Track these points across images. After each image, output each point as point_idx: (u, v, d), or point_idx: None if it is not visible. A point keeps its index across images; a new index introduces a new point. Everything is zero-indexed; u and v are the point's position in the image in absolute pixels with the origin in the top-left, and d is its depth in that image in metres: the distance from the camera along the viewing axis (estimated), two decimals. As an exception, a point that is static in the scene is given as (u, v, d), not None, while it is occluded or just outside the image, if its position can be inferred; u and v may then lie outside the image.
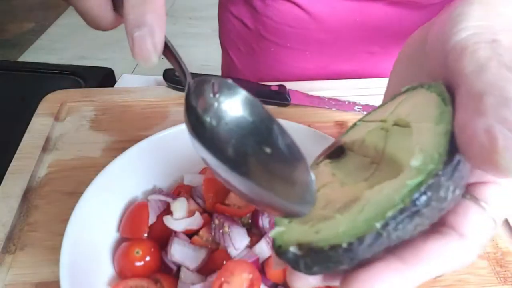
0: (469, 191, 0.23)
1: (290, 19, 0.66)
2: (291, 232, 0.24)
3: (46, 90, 0.66)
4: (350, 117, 0.61)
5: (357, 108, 0.62)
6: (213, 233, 0.41)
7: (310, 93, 0.64)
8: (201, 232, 0.42)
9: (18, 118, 0.62)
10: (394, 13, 0.64)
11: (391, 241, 0.21)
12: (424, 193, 0.20)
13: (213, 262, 0.40)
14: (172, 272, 0.41)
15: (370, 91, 0.65)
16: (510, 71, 0.21)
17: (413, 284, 0.21)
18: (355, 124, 0.30)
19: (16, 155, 0.55)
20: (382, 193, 0.22)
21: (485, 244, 0.23)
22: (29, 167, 0.53)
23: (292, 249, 0.22)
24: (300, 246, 0.22)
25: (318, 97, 0.63)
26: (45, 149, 0.56)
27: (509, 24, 0.23)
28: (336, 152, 0.29)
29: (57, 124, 0.60)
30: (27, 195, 0.50)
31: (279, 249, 0.23)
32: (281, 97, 0.62)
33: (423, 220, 0.21)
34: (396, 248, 0.22)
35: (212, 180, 0.44)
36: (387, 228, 0.20)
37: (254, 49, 0.73)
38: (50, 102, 0.63)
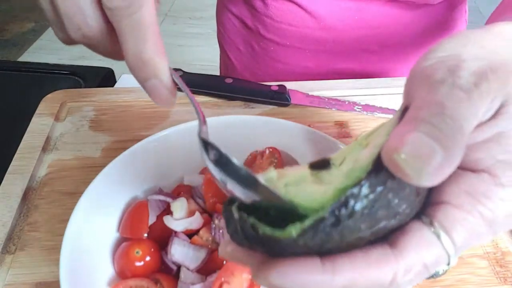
0: (429, 213, 0.22)
1: (290, 18, 0.67)
2: None
3: (46, 90, 0.66)
4: (350, 117, 0.61)
5: (357, 108, 0.62)
6: (213, 233, 0.41)
7: (310, 93, 0.64)
8: (201, 232, 0.42)
9: (18, 118, 0.62)
10: (391, 12, 0.65)
11: (311, 249, 0.20)
12: (345, 203, 0.20)
13: (213, 262, 0.40)
14: (172, 272, 0.41)
15: (370, 91, 0.65)
16: (463, 90, 0.20)
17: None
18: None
19: (16, 155, 0.55)
20: (311, 198, 0.22)
21: (427, 272, 0.20)
22: (29, 167, 0.53)
23: (233, 209, 0.23)
24: (240, 211, 0.23)
25: (318, 97, 0.63)
26: (45, 149, 0.56)
27: (481, 55, 0.22)
28: (320, 164, 0.30)
29: (57, 124, 0.60)
30: (27, 195, 0.50)
31: (227, 203, 0.24)
32: (281, 97, 0.62)
33: (345, 233, 0.20)
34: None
35: (212, 180, 0.44)
36: (304, 237, 0.20)
37: (254, 49, 0.73)
38: (50, 102, 0.63)
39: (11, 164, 0.54)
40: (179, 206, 0.42)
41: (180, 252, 0.40)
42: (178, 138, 0.47)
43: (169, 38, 2.41)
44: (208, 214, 0.44)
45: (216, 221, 0.41)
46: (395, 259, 0.20)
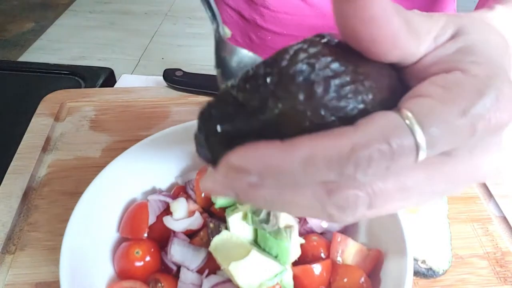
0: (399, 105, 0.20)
1: (287, 7, 0.68)
2: None
3: (46, 90, 0.66)
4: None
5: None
6: (211, 238, 0.41)
7: (310, 93, 0.64)
8: (201, 233, 0.42)
9: (18, 118, 0.62)
10: None
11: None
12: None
13: (213, 262, 0.40)
14: (172, 272, 0.41)
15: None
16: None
17: (289, 163, 0.19)
18: None
19: (16, 155, 0.55)
20: None
21: (391, 152, 0.19)
22: (29, 167, 0.53)
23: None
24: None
25: (318, 97, 0.63)
26: (45, 149, 0.56)
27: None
28: None
29: (57, 124, 0.60)
30: (27, 195, 0.50)
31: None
32: (281, 97, 0.62)
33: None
34: None
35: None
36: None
37: (251, 39, 0.75)
38: (50, 102, 0.63)
39: (11, 164, 0.54)
40: (179, 207, 0.42)
41: (180, 252, 0.40)
42: (178, 138, 0.47)
43: (169, 38, 2.41)
44: (208, 214, 0.44)
45: (211, 225, 0.41)
46: (354, 131, 0.19)
